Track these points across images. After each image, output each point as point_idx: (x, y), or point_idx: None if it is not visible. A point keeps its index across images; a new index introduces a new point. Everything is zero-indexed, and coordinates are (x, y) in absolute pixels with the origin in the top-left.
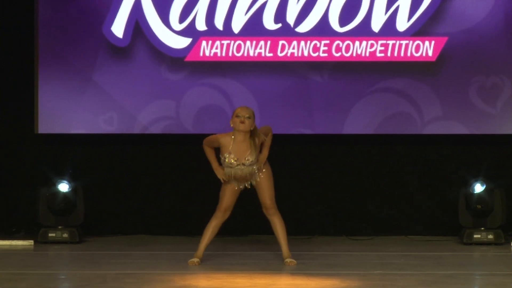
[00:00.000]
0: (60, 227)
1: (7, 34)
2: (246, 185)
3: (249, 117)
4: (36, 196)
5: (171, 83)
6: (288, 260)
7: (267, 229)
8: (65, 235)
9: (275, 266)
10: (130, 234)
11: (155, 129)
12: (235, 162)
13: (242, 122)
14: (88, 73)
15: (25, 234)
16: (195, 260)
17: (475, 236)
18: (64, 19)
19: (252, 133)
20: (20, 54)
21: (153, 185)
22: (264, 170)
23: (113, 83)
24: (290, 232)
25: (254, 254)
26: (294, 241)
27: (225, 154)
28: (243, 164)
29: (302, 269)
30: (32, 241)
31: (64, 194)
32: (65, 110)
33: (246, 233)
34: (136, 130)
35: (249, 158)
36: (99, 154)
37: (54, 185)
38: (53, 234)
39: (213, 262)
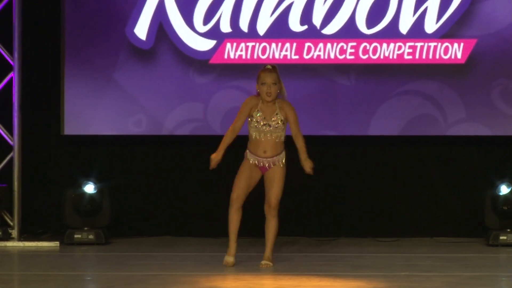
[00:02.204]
0: (86, 228)
1: (33, 35)
2: (265, 163)
3: (274, 83)
4: (62, 197)
5: (197, 85)
6: (263, 262)
7: (293, 231)
8: (91, 236)
9: (301, 267)
10: (156, 235)
11: (183, 131)
12: (262, 121)
13: (269, 93)
14: (113, 75)
15: (51, 235)
16: (229, 259)
17: (501, 237)
18: (90, 21)
19: (279, 99)
20: (46, 57)
21: (180, 186)
22: (282, 166)
23: (138, 86)
24: (316, 233)
25: (280, 255)
26: (320, 243)
27: (253, 113)
28: (269, 125)
29: (328, 271)
30: (58, 242)
31: (90, 195)
32: (91, 111)
33: None
34: (164, 132)
35: (275, 119)
36: (125, 155)
37: (80, 186)
38: (79, 236)
39: (239, 263)
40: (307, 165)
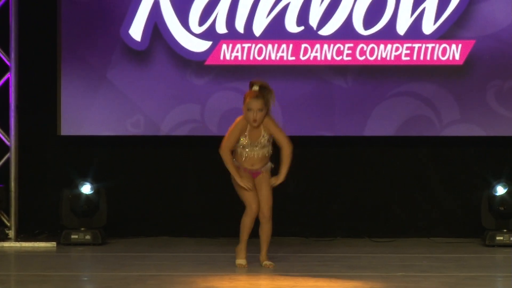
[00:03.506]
0: (82, 228)
1: (30, 36)
2: (253, 172)
3: (260, 110)
4: (59, 198)
5: (194, 87)
6: (267, 262)
7: (290, 231)
8: (88, 237)
9: (298, 267)
10: (153, 236)
11: (180, 132)
12: (249, 145)
13: (255, 120)
14: (109, 76)
15: (47, 235)
16: (243, 262)
17: (498, 238)
18: (86, 22)
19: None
20: (43, 57)
21: (177, 187)
22: (269, 174)
23: (135, 87)
24: (313, 234)
25: (277, 256)
26: (317, 243)
27: (241, 137)
28: (256, 146)
29: (325, 271)
30: (54, 242)
31: (87, 196)
32: (88, 112)
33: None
34: (161, 133)
35: (262, 140)
36: (122, 156)
37: (77, 187)
38: (76, 236)
39: (234, 264)
40: (276, 180)
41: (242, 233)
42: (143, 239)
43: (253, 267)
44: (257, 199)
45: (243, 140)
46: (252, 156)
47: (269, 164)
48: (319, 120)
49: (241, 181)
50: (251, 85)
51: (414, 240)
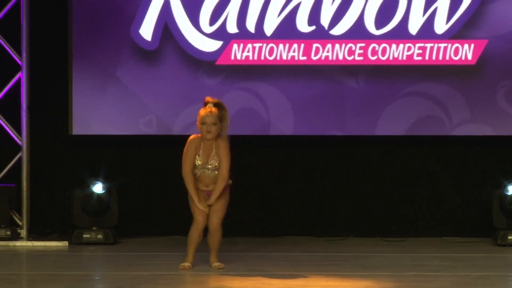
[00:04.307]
0: (94, 228)
1: (41, 36)
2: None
3: (214, 124)
4: (71, 197)
5: (205, 87)
6: (216, 264)
7: (300, 231)
8: (100, 236)
9: (309, 267)
10: (164, 235)
11: (191, 132)
12: (200, 165)
13: (208, 132)
14: (120, 76)
15: (59, 235)
16: (186, 264)
17: (509, 237)
18: (97, 22)
19: (218, 138)
20: (54, 57)
21: None
22: (223, 196)
23: (146, 87)
24: (324, 233)
25: (288, 255)
26: (328, 243)
27: (196, 156)
28: (207, 169)
29: (336, 271)
30: (66, 242)
31: (98, 195)
32: (99, 112)
33: (279, 234)
34: (172, 132)
35: (212, 162)
36: (133, 155)
37: (89, 186)
38: (88, 235)
39: (247, 263)
40: (205, 205)
41: (189, 246)
42: (155, 238)
43: (262, 266)
44: (205, 213)
45: (196, 160)
46: (205, 177)
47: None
48: (330, 119)
49: (199, 205)
50: (206, 103)
51: (426, 240)
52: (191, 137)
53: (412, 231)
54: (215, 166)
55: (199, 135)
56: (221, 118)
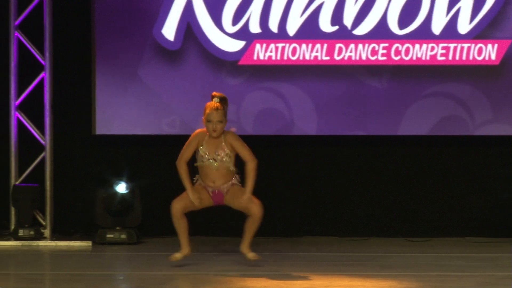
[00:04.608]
0: (117, 228)
1: (64, 35)
2: (216, 190)
3: (220, 121)
4: (94, 197)
5: (229, 87)
6: (251, 254)
7: (323, 231)
8: (123, 236)
9: (333, 267)
10: (190, 234)
11: None
12: (206, 156)
13: (214, 130)
14: (143, 76)
15: (83, 235)
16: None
17: None
18: (120, 22)
19: (224, 132)
20: (77, 56)
21: None
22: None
23: (168, 87)
24: (347, 233)
25: (312, 255)
26: (351, 243)
27: (199, 147)
28: (214, 160)
29: (359, 271)
30: (90, 242)
31: (122, 195)
32: (122, 112)
33: (301, 234)
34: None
35: (220, 153)
36: (156, 155)
37: (112, 186)
38: (111, 235)
39: (269, 263)
40: (244, 201)
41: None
42: (178, 238)
43: (285, 266)
44: (185, 203)
45: (202, 150)
46: (211, 170)
47: (234, 179)
48: (353, 120)
49: (192, 196)
50: (212, 97)
51: (449, 240)
52: (197, 130)
53: (435, 231)
54: (224, 158)
55: (205, 129)
56: (225, 114)
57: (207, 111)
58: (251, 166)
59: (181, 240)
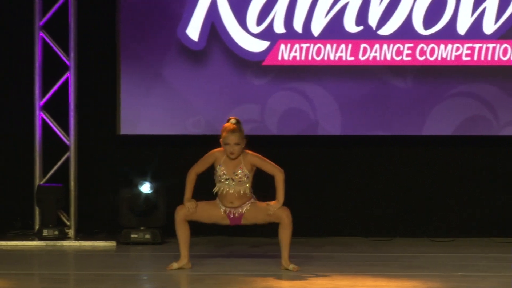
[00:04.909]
0: (142, 228)
1: (89, 35)
2: (234, 212)
3: (237, 144)
4: (118, 197)
5: (253, 87)
6: (291, 266)
7: (347, 231)
8: (147, 236)
9: (357, 267)
10: (211, 235)
11: None
12: (224, 176)
13: (232, 153)
14: (167, 76)
15: (107, 235)
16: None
17: None
18: (145, 22)
19: (244, 153)
20: (102, 57)
21: None
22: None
23: (193, 86)
24: (372, 233)
25: (336, 255)
26: (375, 243)
27: (217, 166)
28: (232, 180)
29: (383, 271)
30: (114, 242)
31: (146, 195)
32: (147, 112)
33: (325, 234)
34: (220, 133)
35: (238, 173)
36: (181, 155)
37: (136, 186)
38: (135, 235)
39: (293, 263)
40: (273, 208)
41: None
42: (202, 238)
43: (309, 266)
44: (188, 213)
45: (220, 170)
46: (229, 191)
47: (251, 201)
48: (377, 120)
49: (187, 203)
50: (228, 120)
51: (474, 240)
52: (215, 150)
53: (459, 231)
54: (242, 178)
55: (223, 148)
56: (243, 135)
57: (224, 133)
58: (279, 177)
59: (181, 249)
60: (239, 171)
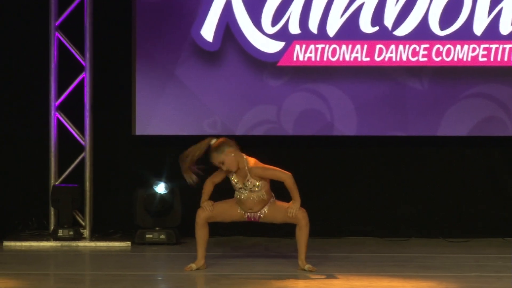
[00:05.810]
0: (157, 228)
1: (104, 36)
2: (253, 215)
3: (220, 162)
4: (133, 197)
5: (269, 88)
6: (307, 266)
7: (363, 231)
8: (162, 236)
9: (372, 268)
10: (227, 235)
11: (256, 132)
12: (238, 185)
13: (222, 170)
14: (182, 77)
15: (122, 235)
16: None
17: None
18: (160, 23)
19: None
20: (118, 57)
21: None
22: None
23: (208, 87)
24: (387, 234)
25: (351, 256)
26: (391, 243)
27: (231, 177)
28: (245, 188)
29: (399, 271)
30: (129, 242)
31: (161, 195)
32: (162, 112)
33: (341, 234)
34: (237, 133)
35: (248, 184)
36: None
37: (151, 186)
38: (150, 236)
39: (310, 263)
40: (293, 210)
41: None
42: (218, 238)
43: (324, 267)
44: (209, 216)
45: (234, 180)
46: (246, 198)
47: (270, 202)
48: (393, 120)
49: (203, 203)
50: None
51: (489, 241)
52: None
53: (475, 231)
54: (252, 188)
55: None
56: (225, 154)
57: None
58: (288, 182)
59: (198, 250)
60: (249, 182)
